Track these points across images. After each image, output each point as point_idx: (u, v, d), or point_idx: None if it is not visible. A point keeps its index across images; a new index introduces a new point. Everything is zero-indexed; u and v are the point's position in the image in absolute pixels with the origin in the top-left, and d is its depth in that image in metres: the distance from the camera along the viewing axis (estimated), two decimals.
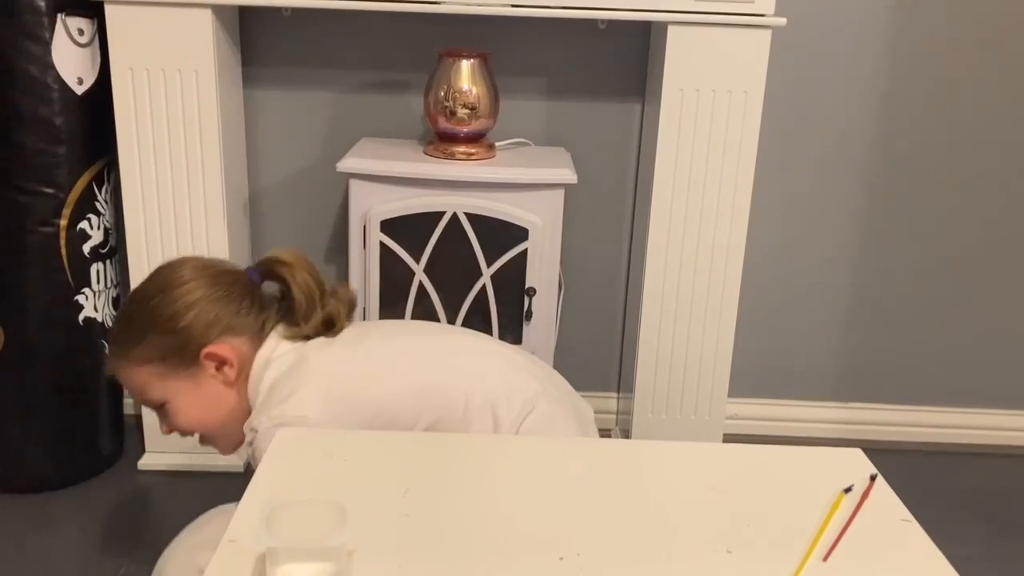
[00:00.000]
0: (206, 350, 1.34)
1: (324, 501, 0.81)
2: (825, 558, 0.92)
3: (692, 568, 0.90)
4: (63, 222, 2.01)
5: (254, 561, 0.85)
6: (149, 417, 2.24)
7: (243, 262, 2.25)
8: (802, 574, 0.89)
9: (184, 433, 1.40)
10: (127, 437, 2.35)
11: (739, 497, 1.03)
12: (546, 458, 1.08)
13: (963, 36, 2.26)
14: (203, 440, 1.42)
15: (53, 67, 1.94)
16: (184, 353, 1.34)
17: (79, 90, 1.99)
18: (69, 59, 1.96)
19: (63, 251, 2.03)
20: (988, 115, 2.33)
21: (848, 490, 1.04)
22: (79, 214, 2.05)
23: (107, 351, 1.29)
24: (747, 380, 2.51)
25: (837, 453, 1.14)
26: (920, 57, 2.28)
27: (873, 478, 1.07)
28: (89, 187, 2.06)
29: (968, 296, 2.48)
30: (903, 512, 1.02)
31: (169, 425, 1.38)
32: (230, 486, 2.01)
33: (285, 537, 0.76)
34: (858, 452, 1.14)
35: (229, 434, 1.39)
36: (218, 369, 1.36)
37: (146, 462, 2.26)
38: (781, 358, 2.51)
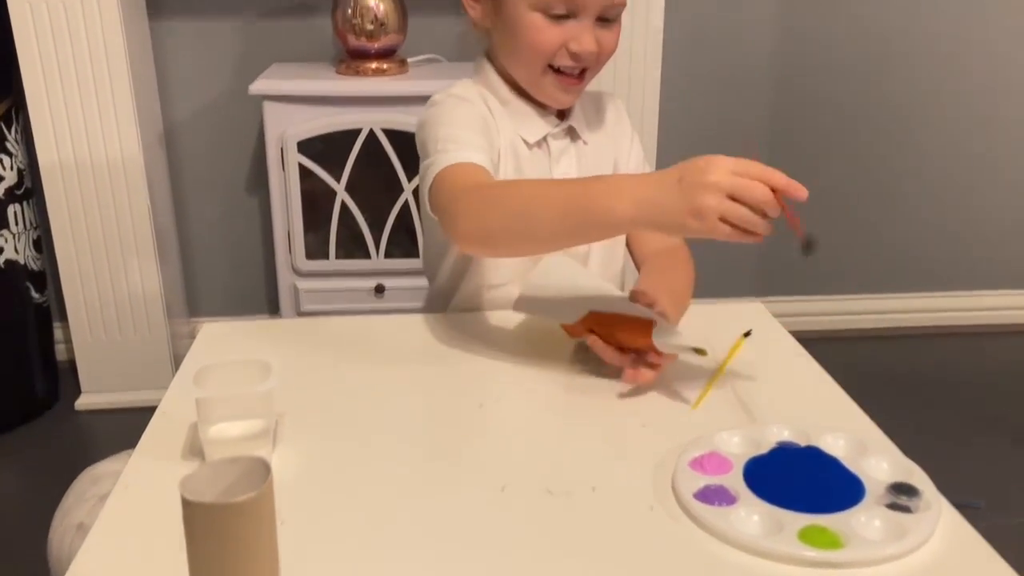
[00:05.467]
0: None
1: (251, 360, 0.85)
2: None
3: (604, 390, 0.97)
4: None
5: (186, 431, 0.90)
6: (83, 357, 2.24)
7: (162, 195, 2.26)
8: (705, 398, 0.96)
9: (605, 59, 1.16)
10: (61, 381, 2.35)
11: None
12: (464, 330, 1.13)
13: None
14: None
15: None
16: None
17: None
18: None
19: None
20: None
21: (747, 334, 1.11)
22: None
23: None
24: None
25: (739, 306, 1.22)
26: None
27: None
28: None
29: (873, 188, 2.59)
30: (798, 349, 1.10)
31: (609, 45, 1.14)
32: None
33: (214, 389, 0.80)
34: (759, 305, 1.22)
35: None
36: None
37: (83, 402, 2.27)
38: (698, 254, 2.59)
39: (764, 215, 0.82)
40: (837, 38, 2.44)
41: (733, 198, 0.81)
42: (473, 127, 1.11)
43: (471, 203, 1.00)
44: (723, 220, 0.81)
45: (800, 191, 0.81)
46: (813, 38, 2.43)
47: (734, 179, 0.81)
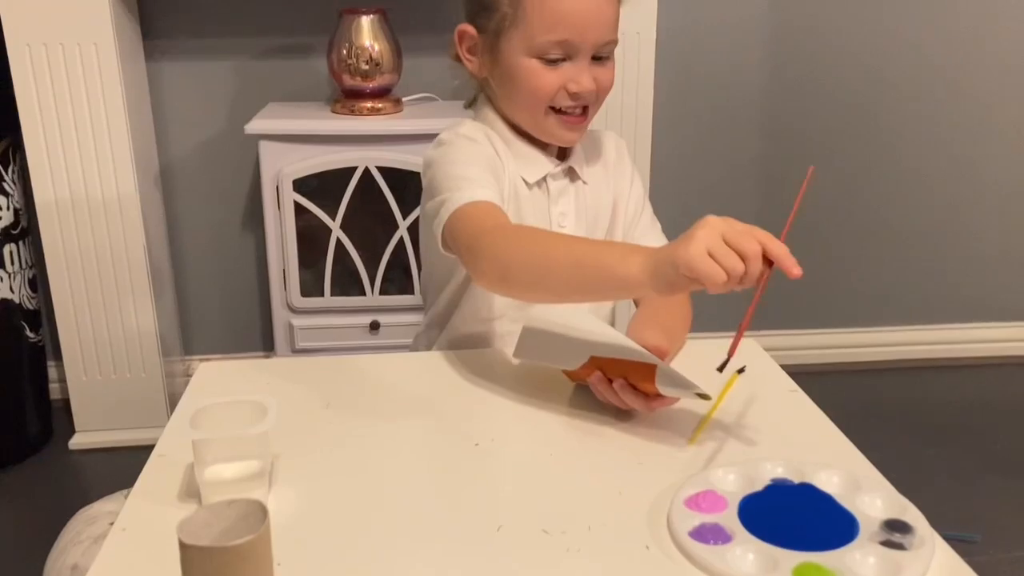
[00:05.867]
0: None
1: (247, 400, 0.85)
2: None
3: (600, 428, 0.97)
4: None
5: (182, 472, 0.90)
6: (78, 396, 2.24)
7: (158, 235, 2.27)
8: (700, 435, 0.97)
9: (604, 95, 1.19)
10: (55, 420, 2.34)
11: None
12: (460, 368, 1.14)
13: None
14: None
15: None
16: None
17: None
18: None
19: None
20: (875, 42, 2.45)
21: (741, 371, 1.12)
22: None
23: None
24: None
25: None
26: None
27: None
28: None
29: (865, 221, 2.61)
30: (791, 385, 1.11)
31: (606, 82, 1.17)
32: None
33: (210, 430, 0.81)
34: (752, 342, 1.22)
35: None
36: None
37: (77, 441, 2.26)
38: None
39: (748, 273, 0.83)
40: (831, 82, 2.47)
41: (726, 243, 0.83)
42: (483, 165, 1.13)
43: (492, 244, 1.02)
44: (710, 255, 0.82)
45: (794, 268, 0.83)
46: (807, 76, 2.47)
47: (732, 227, 0.83)
